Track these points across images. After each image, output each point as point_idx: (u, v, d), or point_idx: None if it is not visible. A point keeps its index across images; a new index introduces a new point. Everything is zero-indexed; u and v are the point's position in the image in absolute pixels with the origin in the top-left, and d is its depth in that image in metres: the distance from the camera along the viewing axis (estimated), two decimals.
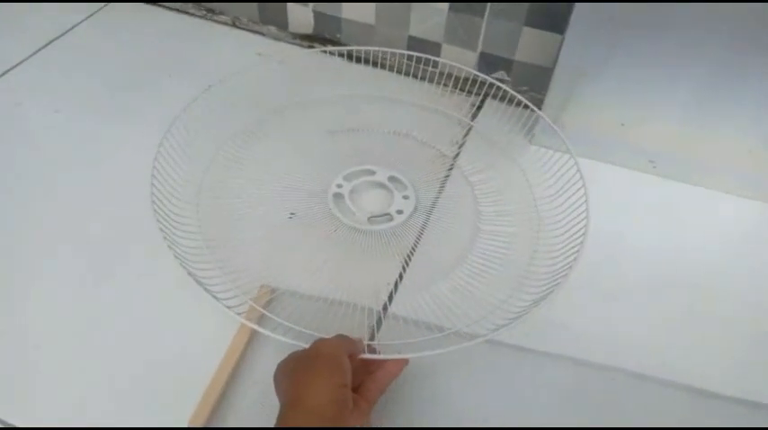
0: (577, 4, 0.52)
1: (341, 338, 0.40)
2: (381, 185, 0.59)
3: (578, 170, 0.55)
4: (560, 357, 0.48)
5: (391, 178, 0.60)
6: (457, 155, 0.63)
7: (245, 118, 0.63)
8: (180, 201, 0.53)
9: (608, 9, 0.52)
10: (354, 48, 0.68)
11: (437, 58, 0.66)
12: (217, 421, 0.42)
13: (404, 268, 0.53)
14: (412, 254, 0.54)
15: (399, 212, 0.57)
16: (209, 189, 0.56)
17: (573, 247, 0.50)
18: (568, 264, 0.48)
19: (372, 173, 0.60)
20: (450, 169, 0.62)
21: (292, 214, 0.56)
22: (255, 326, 0.43)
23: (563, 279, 0.47)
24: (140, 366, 0.46)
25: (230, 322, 0.45)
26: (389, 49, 0.66)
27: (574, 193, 0.54)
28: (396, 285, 0.51)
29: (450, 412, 0.44)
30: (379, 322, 0.49)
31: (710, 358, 0.49)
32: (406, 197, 0.58)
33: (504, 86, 0.63)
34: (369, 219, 0.56)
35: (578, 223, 0.51)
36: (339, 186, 0.58)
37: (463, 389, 0.46)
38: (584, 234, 0.50)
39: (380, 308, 0.50)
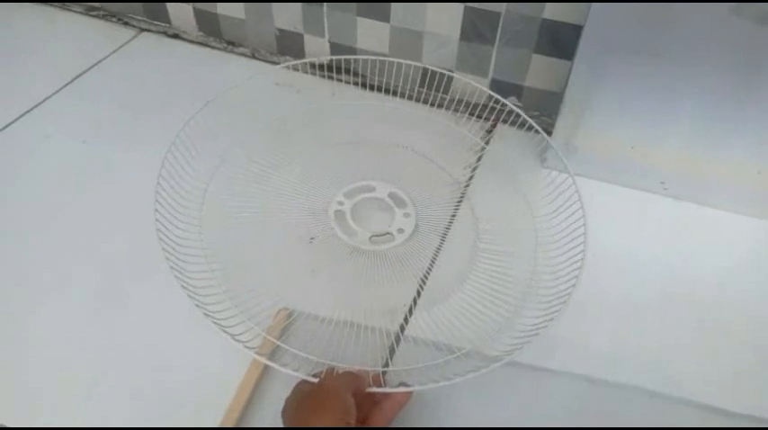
0: (585, 33, 0.54)
1: (346, 374, 0.41)
2: (382, 202, 0.60)
3: (576, 190, 0.55)
4: (573, 375, 0.48)
5: (391, 194, 0.60)
6: (470, 177, 0.64)
7: (253, 133, 0.64)
8: (184, 224, 0.52)
9: (614, 35, 0.53)
10: (370, 57, 0.70)
11: (451, 73, 0.68)
12: None
13: (413, 289, 0.53)
14: (417, 274, 0.54)
15: (400, 231, 0.57)
16: (210, 213, 0.55)
17: (575, 266, 0.50)
18: (571, 282, 0.49)
19: (372, 189, 0.60)
20: (454, 188, 0.62)
21: (312, 238, 0.57)
22: (270, 363, 0.43)
23: (568, 297, 0.47)
24: (151, 389, 0.46)
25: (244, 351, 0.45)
26: (404, 60, 0.67)
27: (573, 213, 0.54)
28: (410, 308, 0.52)
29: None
30: (392, 349, 0.49)
31: (722, 376, 0.49)
32: (407, 215, 0.59)
33: (516, 110, 0.63)
34: (370, 238, 0.57)
35: (577, 239, 0.52)
36: (340, 203, 0.59)
37: (472, 411, 0.46)
38: (582, 250, 0.50)
39: (391, 332, 0.50)
